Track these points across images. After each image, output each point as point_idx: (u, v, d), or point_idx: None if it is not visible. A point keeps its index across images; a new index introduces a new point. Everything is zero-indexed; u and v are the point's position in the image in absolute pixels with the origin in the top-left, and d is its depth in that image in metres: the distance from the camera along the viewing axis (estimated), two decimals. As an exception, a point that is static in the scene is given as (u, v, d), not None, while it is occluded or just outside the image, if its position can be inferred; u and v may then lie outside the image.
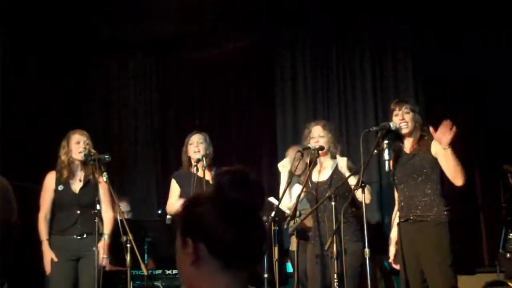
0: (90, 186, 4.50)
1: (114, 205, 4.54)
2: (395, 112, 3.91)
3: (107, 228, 4.50)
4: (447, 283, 3.63)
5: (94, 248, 4.24)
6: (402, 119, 3.86)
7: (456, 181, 3.70)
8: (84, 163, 4.50)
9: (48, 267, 4.42)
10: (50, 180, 4.55)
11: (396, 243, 3.93)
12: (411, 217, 3.78)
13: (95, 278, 4.14)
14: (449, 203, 3.78)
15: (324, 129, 4.30)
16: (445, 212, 3.71)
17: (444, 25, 5.99)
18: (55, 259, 4.41)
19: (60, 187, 4.50)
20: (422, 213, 3.74)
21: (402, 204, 3.86)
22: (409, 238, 3.78)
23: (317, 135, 4.27)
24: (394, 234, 3.99)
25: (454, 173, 3.67)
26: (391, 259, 4.02)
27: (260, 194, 1.39)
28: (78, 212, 4.45)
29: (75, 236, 4.42)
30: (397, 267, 3.96)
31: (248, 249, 1.36)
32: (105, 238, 4.45)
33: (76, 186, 4.52)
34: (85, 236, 4.41)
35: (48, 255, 4.42)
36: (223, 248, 1.34)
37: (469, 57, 5.84)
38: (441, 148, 3.67)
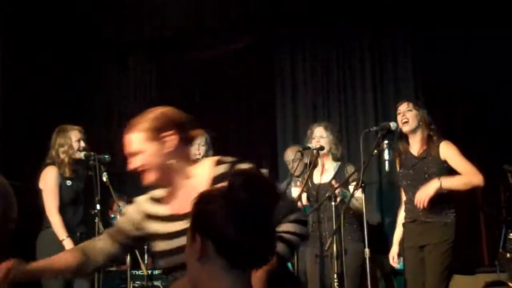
0: (89, 183, 4.45)
1: (114, 204, 4.52)
2: (398, 111, 3.88)
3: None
4: (438, 283, 3.62)
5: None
6: (403, 116, 3.82)
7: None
8: (81, 161, 4.47)
9: None
10: (55, 175, 4.39)
11: (399, 243, 3.92)
12: (418, 219, 3.76)
13: (93, 278, 4.12)
14: (455, 205, 3.77)
15: (326, 130, 4.29)
16: (452, 214, 3.71)
17: (444, 25, 5.98)
18: None
19: (68, 183, 4.40)
20: (430, 215, 3.71)
21: (409, 206, 3.84)
22: (414, 238, 3.77)
23: (319, 135, 4.26)
24: (397, 234, 3.98)
25: (470, 179, 3.67)
26: (392, 260, 4.00)
27: (272, 197, 1.39)
28: (81, 209, 4.41)
29: (78, 234, 4.33)
30: (396, 265, 3.96)
31: (254, 251, 1.36)
32: None
33: (80, 182, 4.48)
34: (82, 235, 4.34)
35: None
36: (229, 247, 1.34)
37: (469, 57, 5.84)
38: (450, 153, 3.69)
